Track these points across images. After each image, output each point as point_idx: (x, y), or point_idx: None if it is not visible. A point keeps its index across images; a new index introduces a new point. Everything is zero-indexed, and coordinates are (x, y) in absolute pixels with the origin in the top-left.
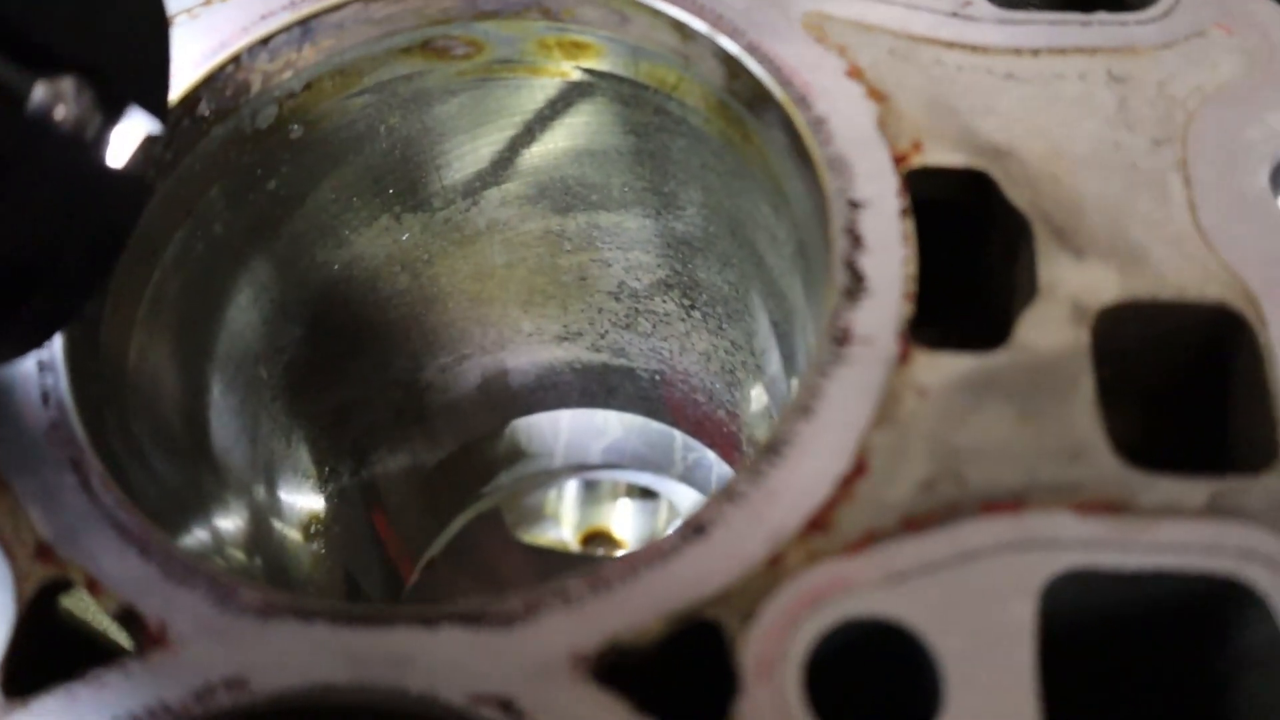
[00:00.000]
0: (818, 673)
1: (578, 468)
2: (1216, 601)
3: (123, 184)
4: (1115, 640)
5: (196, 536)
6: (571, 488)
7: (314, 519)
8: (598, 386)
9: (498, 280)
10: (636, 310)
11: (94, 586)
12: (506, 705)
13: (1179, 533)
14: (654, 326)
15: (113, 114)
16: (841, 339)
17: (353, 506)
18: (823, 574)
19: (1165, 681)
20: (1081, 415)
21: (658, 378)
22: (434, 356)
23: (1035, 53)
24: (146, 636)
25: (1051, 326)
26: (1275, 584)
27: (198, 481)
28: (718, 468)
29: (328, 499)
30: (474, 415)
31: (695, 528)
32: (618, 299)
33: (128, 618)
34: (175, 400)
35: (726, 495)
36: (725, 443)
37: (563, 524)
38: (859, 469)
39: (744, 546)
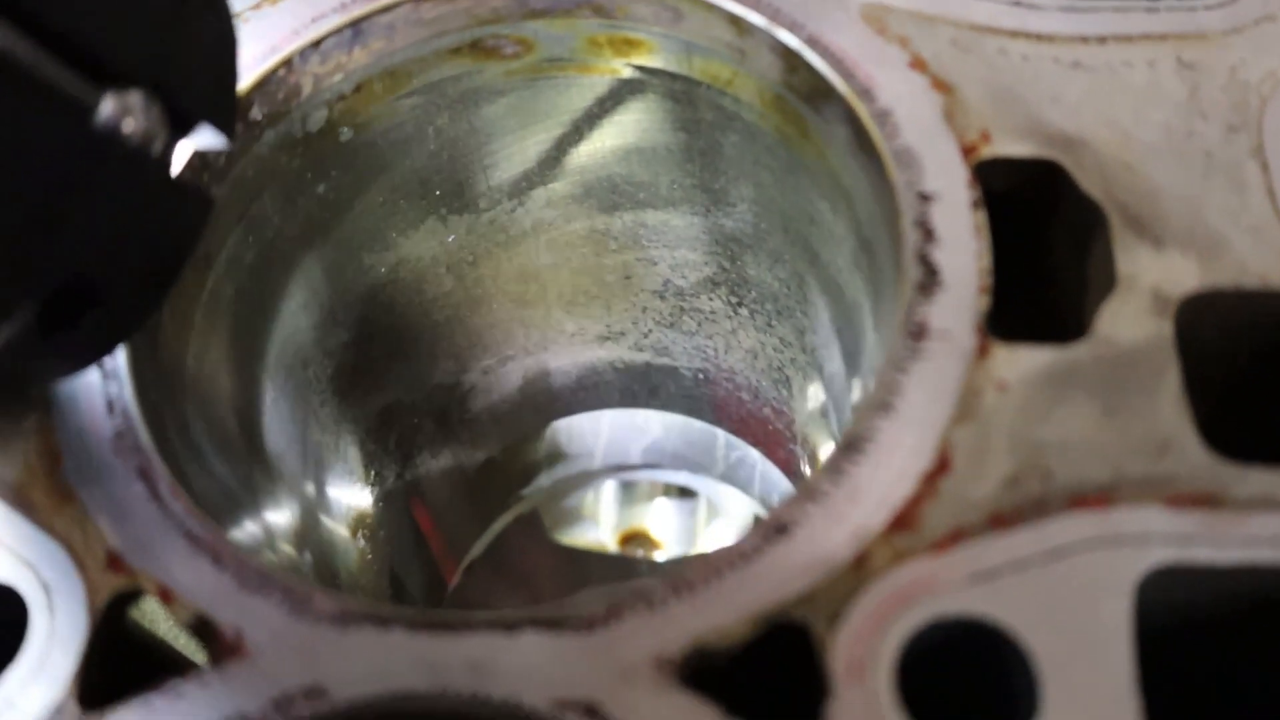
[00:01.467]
0: (909, 674)
1: (617, 468)
2: None
3: (187, 199)
4: (1213, 639)
5: (248, 531)
6: (609, 488)
7: (361, 518)
8: (639, 386)
9: (542, 281)
10: (681, 308)
11: (167, 596)
12: (592, 710)
13: (1275, 526)
14: (699, 324)
15: (180, 129)
16: (918, 334)
17: (398, 507)
18: (910, 573)
19: (1265, 681)
20: (1168, 407)
21: (701, 376)
22: (477, 359)
23: (1102, 40)
24: (222, 646)
25: (1133, 318)
26: None
27: (250, 479)
28: (761, 466)
29: (375, 499)
30: (515, 417)
31: (777, 527)
32: (662, 297)
33: (202, 627)
34: (230, 403)
35: (808, 494)
36: (770, 441)
37: (601, 525)
38: (942, 465)
39: (828, 546)
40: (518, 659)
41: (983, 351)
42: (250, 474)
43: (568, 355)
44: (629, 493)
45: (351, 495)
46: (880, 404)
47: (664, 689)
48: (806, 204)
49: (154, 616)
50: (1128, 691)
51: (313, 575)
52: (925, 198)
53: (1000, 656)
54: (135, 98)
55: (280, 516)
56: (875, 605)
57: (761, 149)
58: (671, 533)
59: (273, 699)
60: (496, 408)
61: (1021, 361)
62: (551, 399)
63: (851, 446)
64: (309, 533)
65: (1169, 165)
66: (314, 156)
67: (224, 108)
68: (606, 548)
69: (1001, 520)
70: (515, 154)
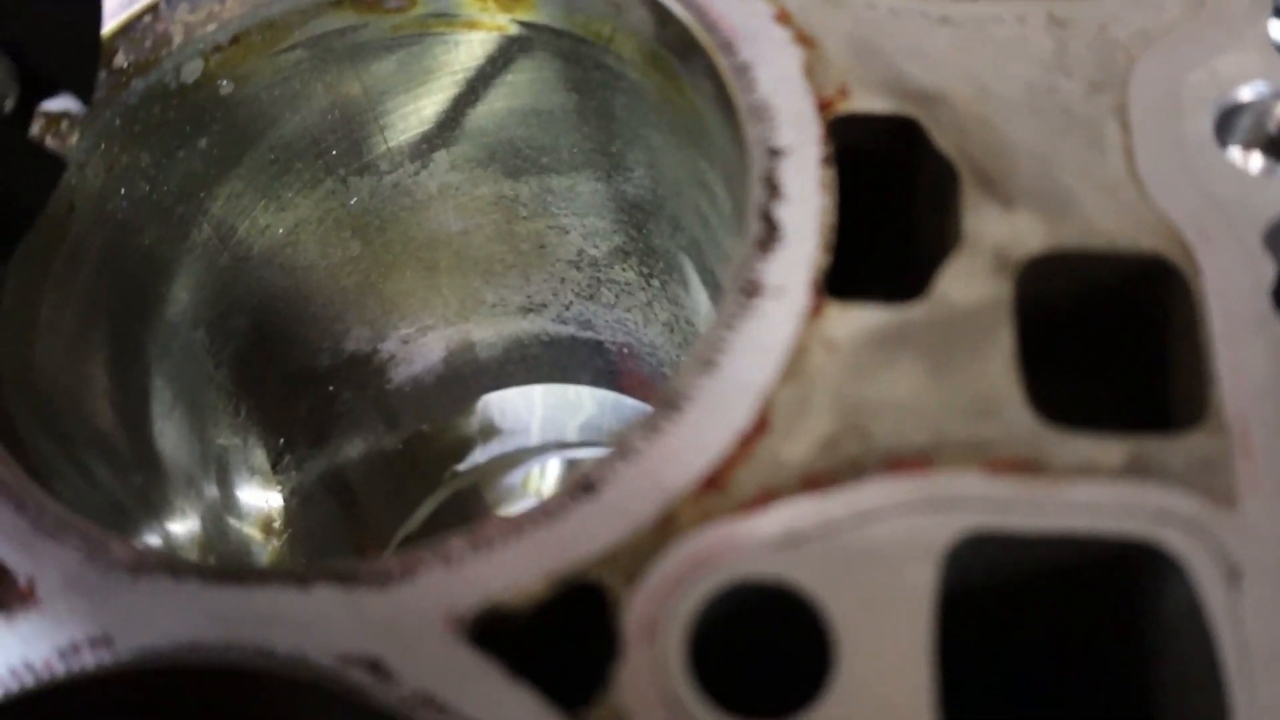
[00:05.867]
0: (707, 637)
1: (556, 445)
2: (1133, 566)
3: (37, 159)
4: (1028, 606)
5: (147, 544)
6: (554, 465)
7: (271, 516)
8: (568, 360)
9: (454, 248)
10: (598, 279)
11: None
12: (375, 666)
13: (1093, 493)
14: (616, 296)
15: (33, 89)
16: (750, 290)
17: (314, 494)
18: (714, 534)
19: (1082, 650)
20: (997, 370)
21: (626, 350)
22: (395, 327)
23: None
24: (12, 593)
25: (971, 278)
26: (1193, 547)
27: (142, 488)
28: None
29: (288, 491)
30: (443, 389)
31: (584, 485)
32: (578, 268)
33: None
34: (107, 395)
35: (620, 452)
36: None
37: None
38: (760, 426)
39: (634, 505)
40: (308, 612)
41: (816, 310)
42: (141, 481)
43: (491, 326)
44: (574, 470)
45: (260, 490)
46: (704, 361)
47: (452, 647)
48: (693, 166)
49: None
50: (923, 659)
51: None
52: (775, 152)
53: (802, 621)
54: None
55: (181, 525)
56: (674, 566)
57: (648, 109)
58: None
59: (58, 647)
60: (421, 379)
61: (854, 321)
62: (479, 371)
63: (670, 404)
64: (214, 540)
65: (1026, 122)
66: (191, 109)
67: (83, 71)
68: None
69: (814, 482)
70: (411, 114)
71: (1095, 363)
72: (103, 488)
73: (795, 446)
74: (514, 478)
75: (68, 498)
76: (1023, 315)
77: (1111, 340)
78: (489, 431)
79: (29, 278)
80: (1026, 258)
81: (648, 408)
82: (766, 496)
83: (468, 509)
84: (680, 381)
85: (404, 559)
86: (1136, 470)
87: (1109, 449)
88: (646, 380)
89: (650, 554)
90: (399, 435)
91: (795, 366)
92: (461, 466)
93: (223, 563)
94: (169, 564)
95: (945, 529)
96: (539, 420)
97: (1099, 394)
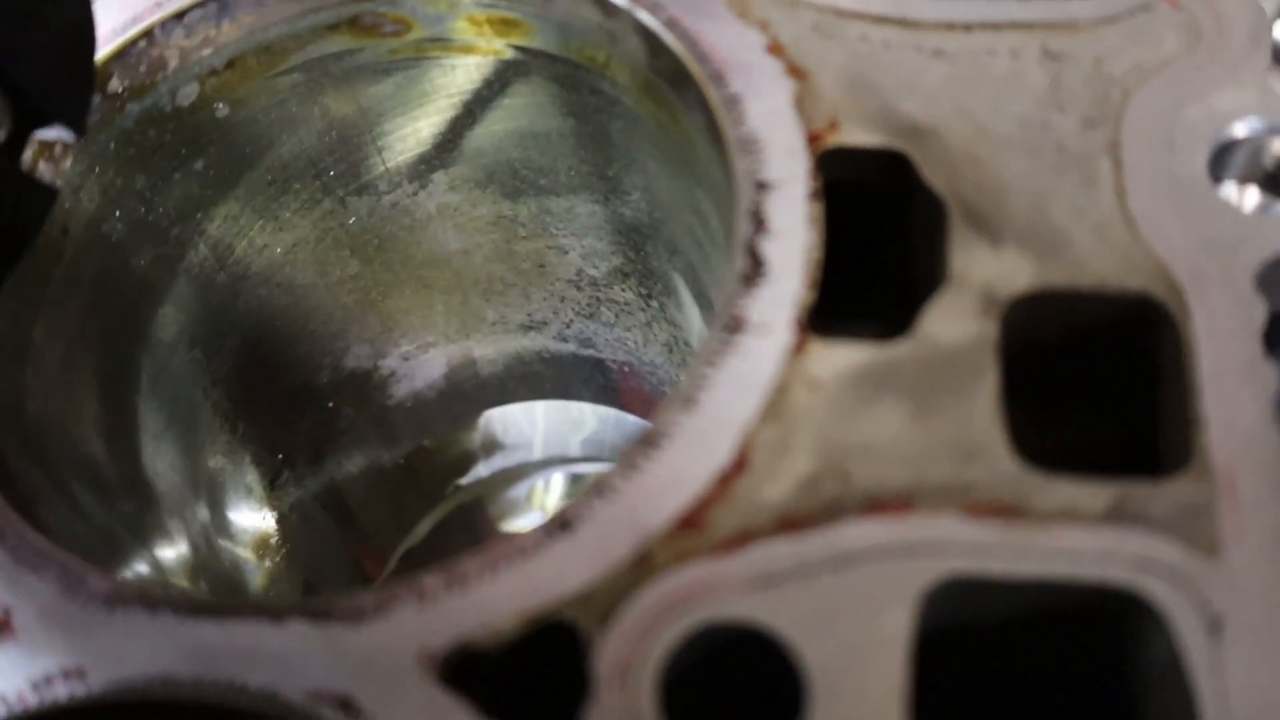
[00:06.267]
0: (680, 680)
1: (559, 460)
2: (1114, 614)
3: (28, 188)
4: (1008, 651)
5: (135, 571)
6: (558, 480)
7: (267, 535)
8: (570, 377)
9: (454, 267)
10: (598, 299)
11: None
12: (345, 704)
13: (1074, 539)
14: (616, 316)
15: (26, 120)
16: (733, 326)
17: (311, 512)
18: (690, 575)
19: (1064, 698)
20: (981, 412)
21: (627, 369)
22: (395, 344)
23: (968, 27)
24: None
25: (957, 317)
26: (1175, 598)
27: (133, 515)
28: None
29: (284, 510)
30: (444, 404)
31: (561, 523)
32: (578, 287)
33: None
34: (96, 414)
35: (597, 490)
36: None
37: (549, 515)
38: (739, 465)
39: (610, 544)
40: (281, 648)
41: (800, 348)
42: (131, 508)
43: (492, 344)
44: (578, 484)
45: (253, 514)
46: (684, 398)
47: (423, 686)
48: (688, 194)
49: None
50: (897, 704)
51: None
52: (762, 186)
53: (774, 665)
54: None
55: (170, 550)
56: (648, 607)
57: (644, 136)
58: None
59: (31, 679)
60: (422, 394)
61: (838, 359)
62: (480, 387)
63: (649, 442)
64: (206, 562)
65: (1019, 159)
66: (188, 132)
67: (77, 102)
68: None
69: (792, 523)
70: (409, 135)
71: (1083, 404)
72: (90, 516)
73: (774, 486)
74: (518, 491)
75: (54, 527)
76: (1009, 355)
77: (1100, 382)
78: (491, 446)
79: (22, 304)
80: (1014, 297)
81: (649, 424)
82: (743, 537)
83: (472, 522)
84: (660, 419)
85: (378, 595)
86: (1119, 516)
87: (1092, 494)
88: (648, 397)
89: (625, 594)
90: (400, 450)
91: (777, 405)
92: (464, 480)
93: (210, 588)
94: (144, 597)
95: (923, 573)
96: (541, 435)
97: (1086, 437)
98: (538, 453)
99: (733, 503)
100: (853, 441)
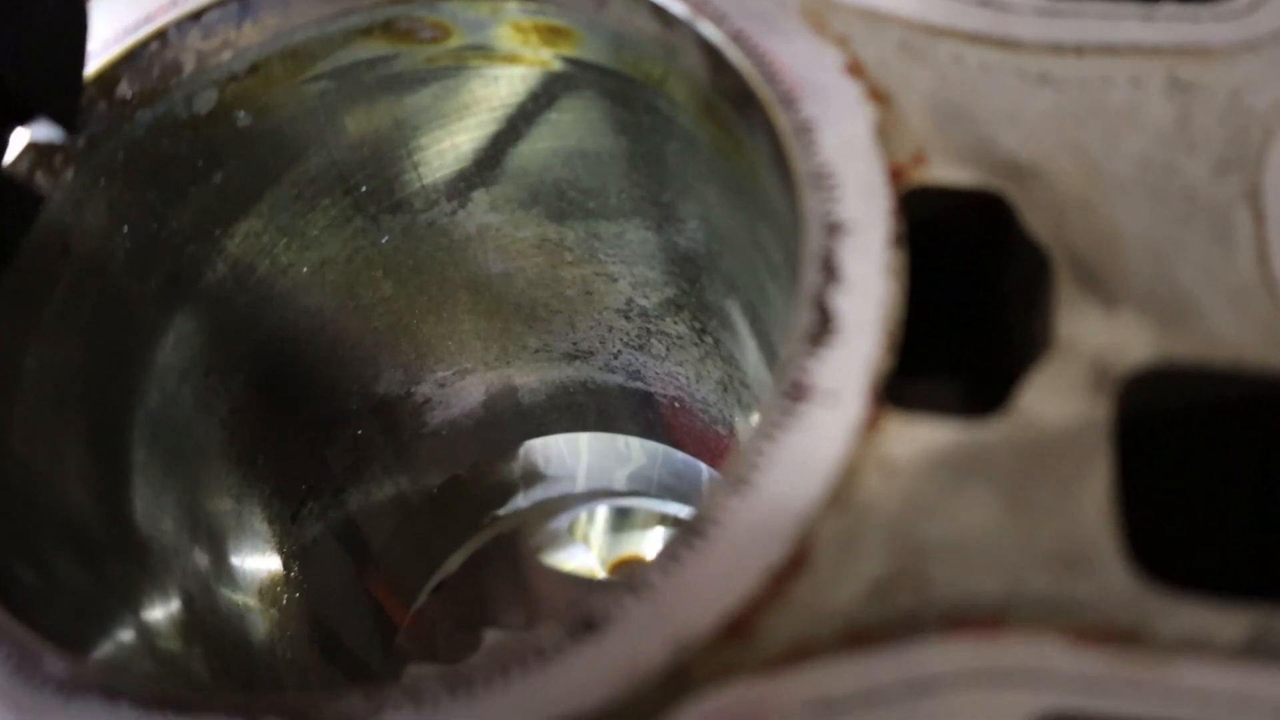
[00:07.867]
0: None
1: (604, 494)
2: None
3: (10, 190)
4: None
5: (118, 640)
6: (602, 513)
7: (274, 579)
8: (616, 410)
9: (495, 291)
10: (648, 330)
11: None
12: None
13: (1204, 677)
14: (668, 349)
15: (8, 116)
16: (796, 394)
17: (328, 551)
18: (734, 695)
19: None
20: (1090, 511)
21: (677, 404)
22: (430, 370)
23: (1079, 51)
24: None
25: (1062, 393)
26: None
27: (120, 577)
28: None
29: (295, 550)
30: (482, 433)
31: (586, 623)
32: (628, 317)
33: None
34: (80, 467)
35: (629, 585)
36: None
37: (592, 549)
38: (797, 562)
39: (641, 652)
40: None
41: (873, 423)
42: (119, 568)
43: (534, 372)
44: (625, 519)
45: (259, 558)
46: (736, 479)
47: None
48: (750, 227)
49: None
50: None
51: (204, 667)
52: (835, 228)
53: None
54: None
55: (160, 610)
56: None
57: (702, 161)
58: None
59: None
60: (459, 423)
61: (919, 438)
62: (521, 417)
63: (693, 530)
64: (203, 616)
65: (1139, 206)
66: (205, 142)
67: (64, 98)
68: (595, 573)
69: (859, 638)
70: (447, 150)
71: (1214, 505)
72: (64, 581)
73: (838, 591)
74: (559, 523)
75: (18, 596)
76: (1125, 442)
77: (1235, 478)
78: (532, 477)
79: (13, 330)
80: (1131, 371)
81: (698, 462)
82: (800, 652)
83: (510, 553)
84: (708, 504)
85: (368, 698)
86: (1261, 650)
87: (1226, 620)
88: (699, 434)
89: (655, 714)
90: (433, 480)
91: (844, 491)
92: (502, 511)
93: (205, 649)
94: (104, 684)
95: (1017, 707)
96: (585, 467)
97: (1219, 546)
98: (580, 485)
99: (789, 608)
100: (933, 540)
